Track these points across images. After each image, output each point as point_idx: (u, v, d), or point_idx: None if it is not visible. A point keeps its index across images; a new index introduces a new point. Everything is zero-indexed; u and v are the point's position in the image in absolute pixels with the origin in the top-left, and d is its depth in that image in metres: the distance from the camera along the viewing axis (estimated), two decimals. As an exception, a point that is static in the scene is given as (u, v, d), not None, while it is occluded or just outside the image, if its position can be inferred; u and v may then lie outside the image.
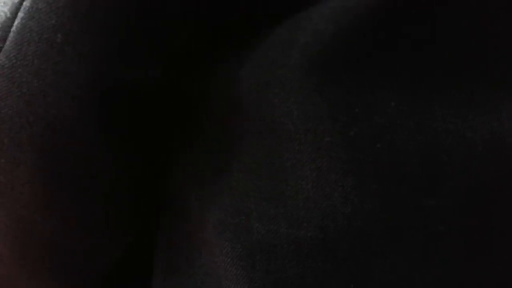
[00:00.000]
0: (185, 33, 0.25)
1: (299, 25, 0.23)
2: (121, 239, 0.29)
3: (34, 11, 0.22)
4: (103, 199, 0.27)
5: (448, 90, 0.22)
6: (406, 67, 0.22)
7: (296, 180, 0.22)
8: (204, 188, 0.25)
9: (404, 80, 0.22)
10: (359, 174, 0.21)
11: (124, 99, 0.24)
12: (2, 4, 0.23)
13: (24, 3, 0.23)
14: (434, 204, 0.21)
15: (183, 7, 0.24)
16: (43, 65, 0.22)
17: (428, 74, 0.22)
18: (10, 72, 0.23)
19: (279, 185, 0.22)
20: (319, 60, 0.22)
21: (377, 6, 0.21)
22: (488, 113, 0.21)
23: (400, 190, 0.21)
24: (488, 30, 0.22)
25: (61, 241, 0.27)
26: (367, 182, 0.21)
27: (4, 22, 0.23)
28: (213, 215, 0.24)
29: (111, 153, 0.26)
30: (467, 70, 0.22)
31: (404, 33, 0.22)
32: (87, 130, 0.24)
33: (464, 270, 0.21)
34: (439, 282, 0.21)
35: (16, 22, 0.23)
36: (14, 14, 0.23)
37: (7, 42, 0.23)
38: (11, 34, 0.23)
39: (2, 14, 0.23)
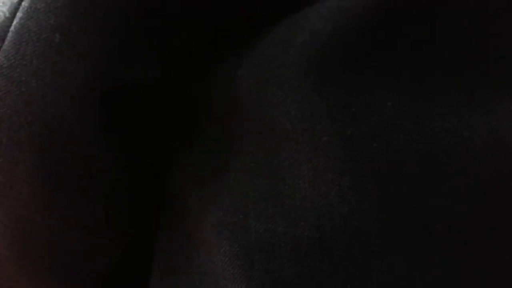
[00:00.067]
0: (185, 33, 0.25)
1: (297, 25, 0.23)
2: (121, 239, 0.29)
3: (33, 11, 0.22)
4: (103, 199, 0.27)
5: (448, 90, 0.22)
6: (406, 67, 0.22)
7: (293, 179, 0.22)
8: (204, 188, 0.25)
9: (404, 80, 0.22)
10: (356, 173, 0.21)
11: (124, 99, 0.24)
12: (1, 4, 0.23)
13: (23, 3, 0.23)
14: (434, 204, 0.21)
15: (183, 7, 0.24)
16: (41, 65, 0.22)
17: (428, 74, 0.22)
18: (9, 71, 0.23)
19: (277, 184, 0.22)
20: (317, 59, 0.22)
21: (376, 5, 0.21)
22: (487, 113, 0.21)
23: (398, 190, 0.21)
24: (488, 30, 0.22)
25: (61, 241, 0.27)
26: (364, 181, 0.21)
27: (3, 22, 0.23)
28: (212, 215, 0.24)
29: (111, 153, 0.26)
30: (467, 70, 0.22)
31: (404, 33, 0.22)
32: (86, 130, 0.24)
33: (464, 270, 0.21)
34: (438, 282, 0.21)
35: (14, 22, 0.23)
36: (13, 14, 0.23)
37: (6, 42, 0.23)
38: (9, 34, 0.23)
39: (1, 14, 0.23)
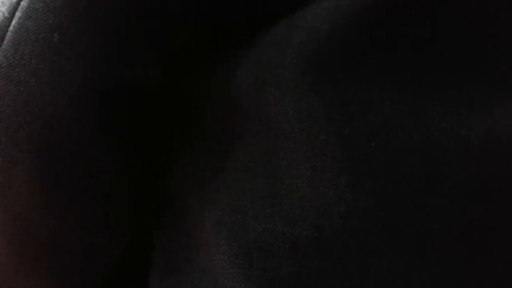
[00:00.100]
0: (185, 33, 0.25)
1: (294, 24, 0.23)
2: (121, 239, 0.29)
3: (32, 11, 0.22)
4: (103, 199, 0.27)
5: (448, 90, 0.22)
6: (406, 67, 0.22)
7: (291, 179, 0.22)
8: (204, 187, 0.25)
9: (404, 79, 0.22)
10: (354, 172, 0.21)
11: (124, 99, 0.24)
12: (0, 4, 0.23)
13: (22, 3, 0.23)
14: (433, 203, 0.21)
15: (183, 7, 0.24)
16: (40, 64, 0.22)
17: (427, 74, 0.22)
18: (8, 71, 0.23)
19: (275, 184, 0.22)
20: (314, 59, 0.22)
21: (373, 4, 0.21)
22: (485, 113, 0.21)
23: (396, 188, 0.21)
24: (488, 30, 0.22)
25: (60, 240, 0.27)
26: (362, 180, 0.21)
27: (2, 22, 0.23)
28: (212, 214, 0.24)
29: (111, 153, 0.26)
30: (467, 70, 0.22)
31: (404, 33, 0.22)
32: (85, 130, 0.24)
33: (463, 270, 0.21)
34: (436, 282, 0.21)
35: (13, 22, 0.23)
36: (12, 14, 0.23)
37: (5, 42, 0.23)
38: (8, 34, 0.23)
39: (0, 14, 0.23)
